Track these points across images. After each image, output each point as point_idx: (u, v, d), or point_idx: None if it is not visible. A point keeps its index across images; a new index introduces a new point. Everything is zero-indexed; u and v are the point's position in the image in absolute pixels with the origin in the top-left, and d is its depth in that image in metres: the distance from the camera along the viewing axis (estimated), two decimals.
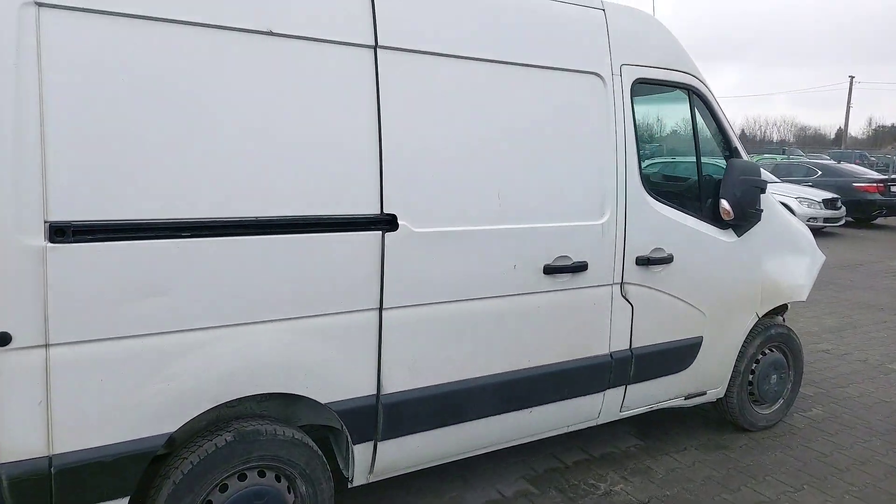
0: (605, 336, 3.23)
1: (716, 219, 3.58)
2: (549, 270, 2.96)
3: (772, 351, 4.10)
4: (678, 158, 4.10)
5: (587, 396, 3.24)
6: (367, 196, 2.48)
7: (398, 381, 2.63)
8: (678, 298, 3.45)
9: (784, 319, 4.29)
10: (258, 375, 2.32)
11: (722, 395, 3.89)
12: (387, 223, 2.52)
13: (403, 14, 2.54)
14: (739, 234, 3.67)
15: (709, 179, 3.68)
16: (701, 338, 3.62)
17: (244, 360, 2.29)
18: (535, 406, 3.07)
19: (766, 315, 3.97)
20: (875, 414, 4.38)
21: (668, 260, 3.35)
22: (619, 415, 3.45)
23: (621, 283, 3.23)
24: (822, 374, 5.16)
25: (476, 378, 2.84)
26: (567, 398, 3.17)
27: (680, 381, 3.62)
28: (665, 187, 3.75)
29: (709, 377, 3.76)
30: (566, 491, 3.27)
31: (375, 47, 2.47)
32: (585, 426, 3.38)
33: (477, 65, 2.73)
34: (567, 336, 3.10)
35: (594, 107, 3.09)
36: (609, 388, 3.31)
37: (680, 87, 3.49)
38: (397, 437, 2.69)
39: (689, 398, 3.74)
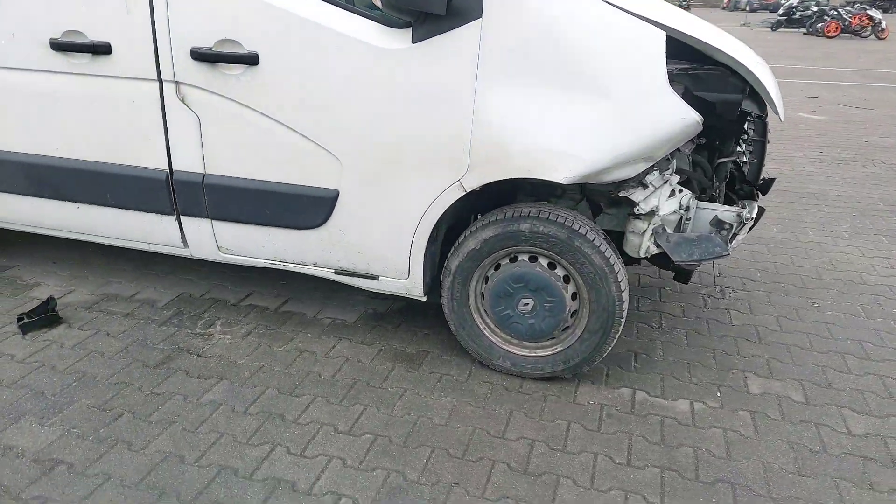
0: (159, 147, 2.55)
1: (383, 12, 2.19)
2: (59, 47, 2.50)
3: (534, 260, 2.38)
4: None
5: (150, 214, 2.70)
6: None
7: None
8: (279, 123, 2.38)
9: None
10: None
11: (420, 295, 2.56)
12: None
13: None
14: (416, 39, 2.16)
15: None
16: (336, 192, 2.43)
17: None
18: (83, 203, 2.78)
19: (488, 190, 2.32)
20: None
21: (248, 60, 2.32)
22: (222, 256, 2.73)
23: (178, 83, 2.44)
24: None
25: None
26: (121, 207, 2.73)
27: (310, 243, 2.56)
28: None
29: (369, 255, 2.52)
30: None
31: None
32: (178, 253, 2.82)
33: None
34: (102, 133, 2.60)
35: None
36: (183, 215, 2.66)
37: None
38: None
39: (345, 274, 2.61)
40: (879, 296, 3.32)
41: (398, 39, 2.18)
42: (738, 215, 2.43)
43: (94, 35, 2.46)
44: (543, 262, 2.37)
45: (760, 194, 2.68)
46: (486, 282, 2.47)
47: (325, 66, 2.26)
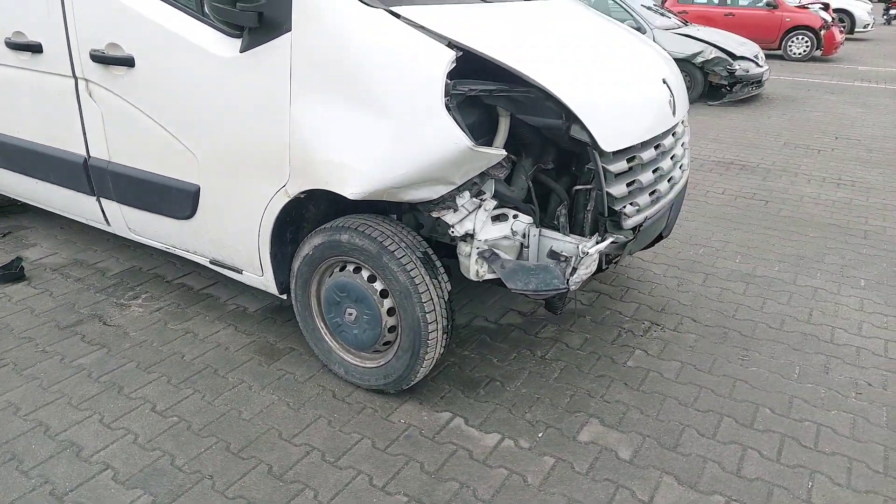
0: (80, 136, 2.88)
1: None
2: (10, 45, 2.90)
3: (357, 272, 2.36)
4: None
5: (76, 193, 3.06)
6: None
7: None
8: (153, 119, 2.59)
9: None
10: None
11: (276, 293, 2.64)
12: None
13: None
14: (243, 48, 2.25)
15: None
16: (198, 187, 2.59)
17: None
18: (39, 179, 3.19)
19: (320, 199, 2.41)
20: None
21: (127, 62, 2.54)
22: (132, 235, 3.01)
23: (87, 81, 2.73)
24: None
25: None
26: (56, 184, 3.11)
27: (186, 232, 2.75)
28: None
29: (229, 249, 2.66)
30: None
31: None
32: (108, 230, 3.14)
33: None
34: (43, 120, 2.98)
35: None
36: (100, 196, 2.97)
37: None
38: None
39: (217, 265, 2.77)
40: (835, 357, 2.85)
41: (232, 48, 2.29)
42: (577, 247, 2.24)
43: (31, 36, 2.83)
44: (364, 274, 2.36)
45: (614, 227, 2.41)
46: (322, 287, 2.51)
47: (179, 70, 2.43)
